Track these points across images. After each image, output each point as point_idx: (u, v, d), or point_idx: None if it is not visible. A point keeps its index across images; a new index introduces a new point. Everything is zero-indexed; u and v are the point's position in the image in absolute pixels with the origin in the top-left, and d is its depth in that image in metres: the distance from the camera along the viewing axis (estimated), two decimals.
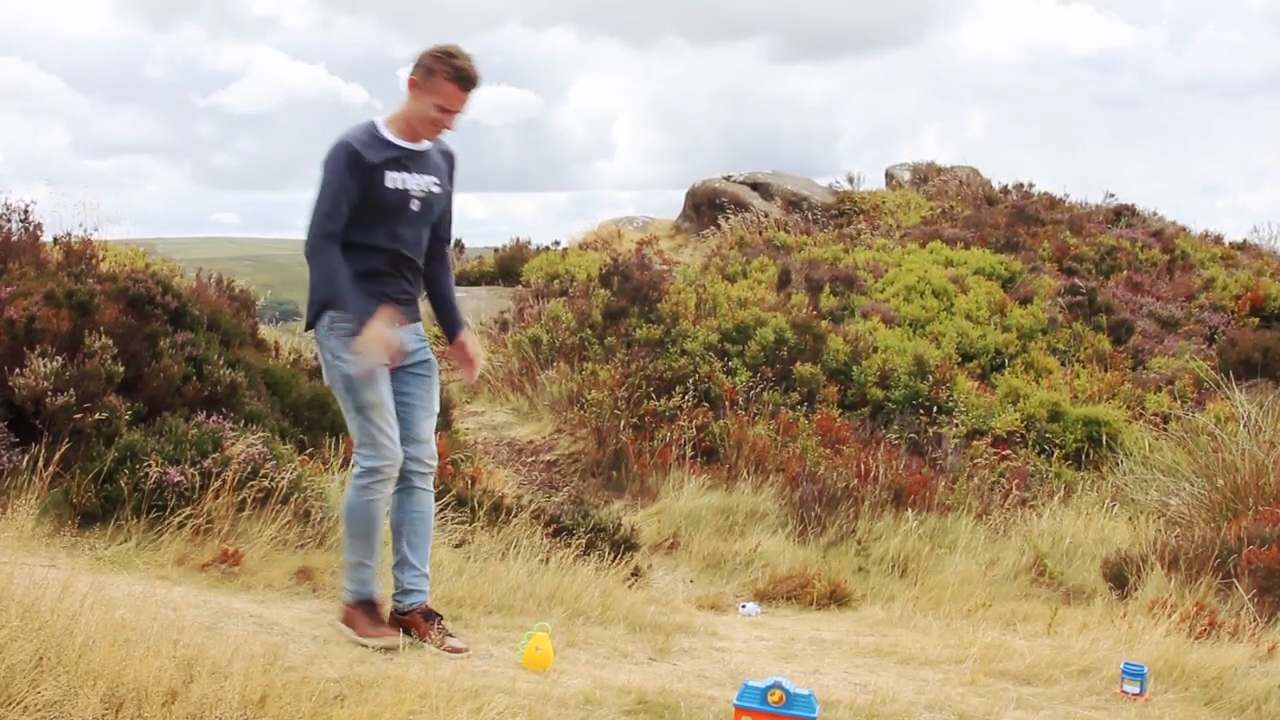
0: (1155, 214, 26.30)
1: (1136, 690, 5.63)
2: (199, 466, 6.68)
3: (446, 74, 4.76)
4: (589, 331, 15.45)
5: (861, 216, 24.59)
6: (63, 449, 6.53)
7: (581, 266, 19.36)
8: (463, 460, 9.90)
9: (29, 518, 6.16)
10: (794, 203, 25.23)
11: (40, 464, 6.45)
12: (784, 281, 18.43)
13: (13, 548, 5.73)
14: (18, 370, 6.94)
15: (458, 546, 7.53)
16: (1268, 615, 7.30)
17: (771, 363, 14.60)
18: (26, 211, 9.93)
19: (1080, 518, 10.93)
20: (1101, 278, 21.09)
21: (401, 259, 4.98)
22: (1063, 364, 16.75)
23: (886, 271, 19.41)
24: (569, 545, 8.01)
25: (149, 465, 6.55)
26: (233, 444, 6.95)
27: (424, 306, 5.28)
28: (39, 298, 7.54)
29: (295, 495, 6.94)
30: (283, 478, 6.90)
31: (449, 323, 5.30)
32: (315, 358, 10.26)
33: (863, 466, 11.57)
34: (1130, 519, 10.72)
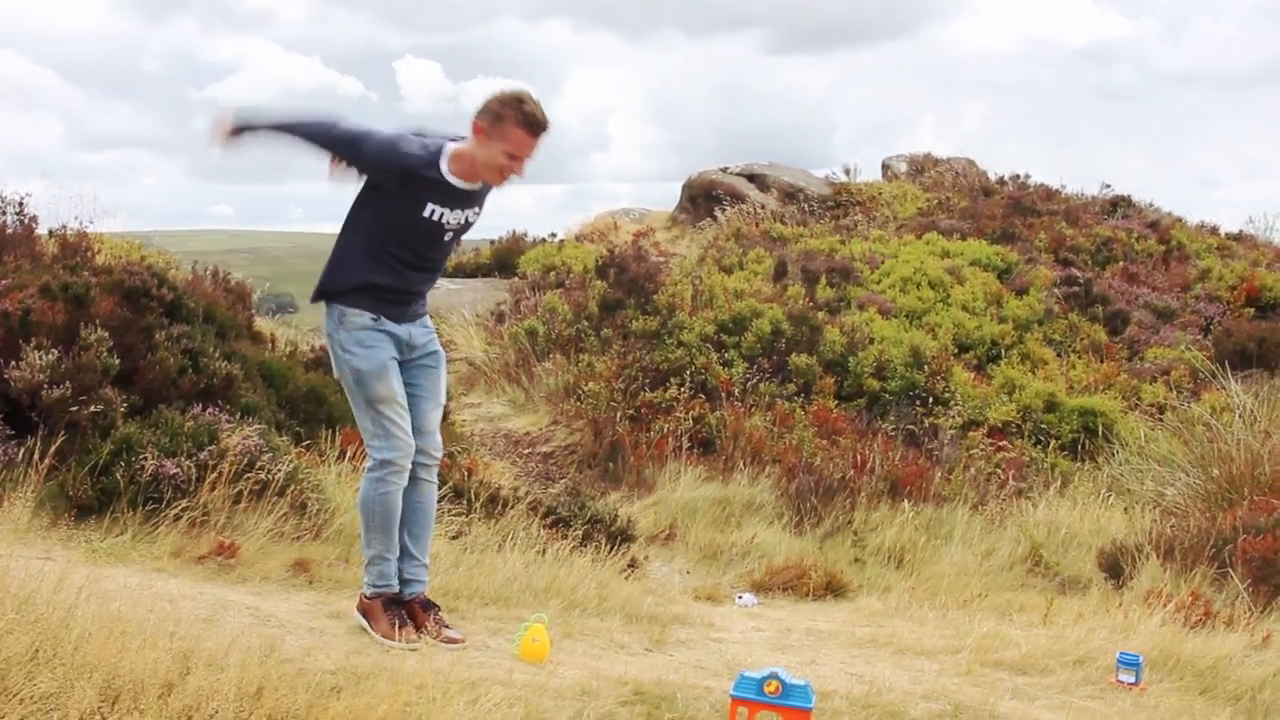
0: (1151, 205, 26.30)
1: (1132, 680, 5.64)
2: (195, 459, 6.68)
3: (516, 119, 4.64)
4: (585, 323, 15.44)
5: (858, 208, 24.59)
6: (58, 442, 6.52)
7: (578, 258, 19.35)
8: (459, 452, 9.90)
9: (25, 510, 6.16)
10: (790, 194, 25.22)
11: (36, 457, 6.44)
12: (780, 273, 18.44)
13: (9, 540, 5.72)
14: (13, 363, 6.93)
15: (454, 538, 7.53)
16: (1262, 604, 7.32)
17: (768, 354, 14.61)
18: (22, 204, 9.93)
19: (1076, 508, 10.95)
20: (1097, 268, 21.10)
21: (424, 271, 4.99)
22: (1059, 355, 16.76)
23: (883, 263, 19.41)
24: (565, 537, 8.01)
25: (145, 458, 6.54)
26: (229, 436, 6.95)
27: (431, 299, 5.30)
28: (34, 290, 7.53)
29: (292, 487, 6.94)
30: (279, 470, 6.90)
31: None
32: (311, 349, 10.22)
33: (859, 457, 11.58)
34: (1126, 509, 10.75)
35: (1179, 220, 25.28)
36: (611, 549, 8.18)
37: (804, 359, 14.41)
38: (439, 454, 5.17)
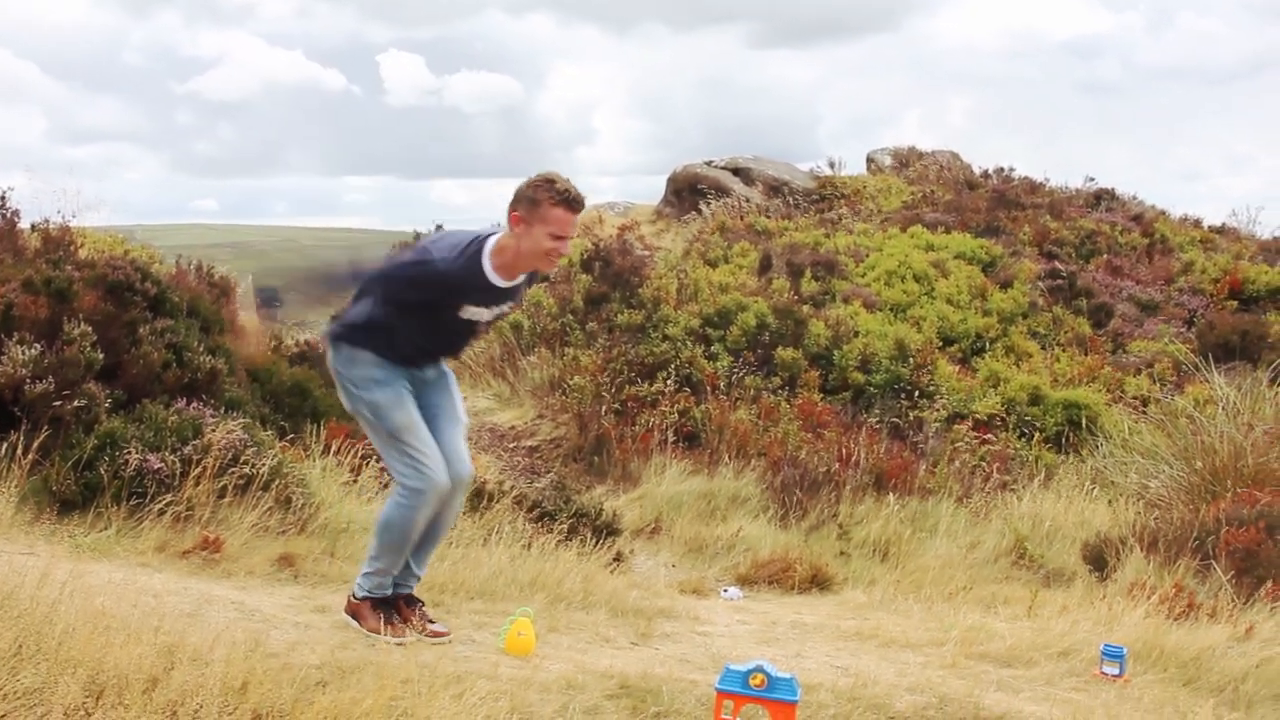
0: (1135, 198, 26.36)
1: (1116, 671, 5.66)
2: (179, 453, 6.67)
3: (552, 200, 4.58)
4: (570, 317, 15.44)
5: (843, 201, 24.60)
6: (42, 436, 6.50)
7: None
8: None
9: (8, 505, 6.14)
10: (775, 188, 25.22)
11: (19, 451, 6.42)
12: (765, 266, 18.44)
13: None
14: None
15: None
16: (1245, 596, 7.34)
17: (753, 347, 14.62)
18: (4, 198, 9.90)
19: (1060, 501, 10.98)
20: (1081, 261, 21.14)
21: (449, 354, 5.10)
22: (1043, 348, 16.80)
23: (867, 256, 19.43)
24: (551, 531, 8.02)
25: (129, 452, 6.53)
26: (213, 431, 6.94)
27: None
28: (17, 285, 7.50)
29: (276, 482, 6.93)
30: (264, 464, 6.90)
31: None
32: (296, 344, 10.22)
33: (844, 451, 11.59)
34: (1110, 502, 10.78)
35: (1163, 213, 25.35)
36: (597, 543, 8.18)
37: (789, 352, 14.42)
38: (470, 477, 5.06)
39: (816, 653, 5.90)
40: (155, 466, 6.53)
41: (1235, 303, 19.40)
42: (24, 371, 6.85)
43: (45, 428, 6.67)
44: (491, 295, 4.73)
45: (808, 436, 12.55)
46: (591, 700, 4.30)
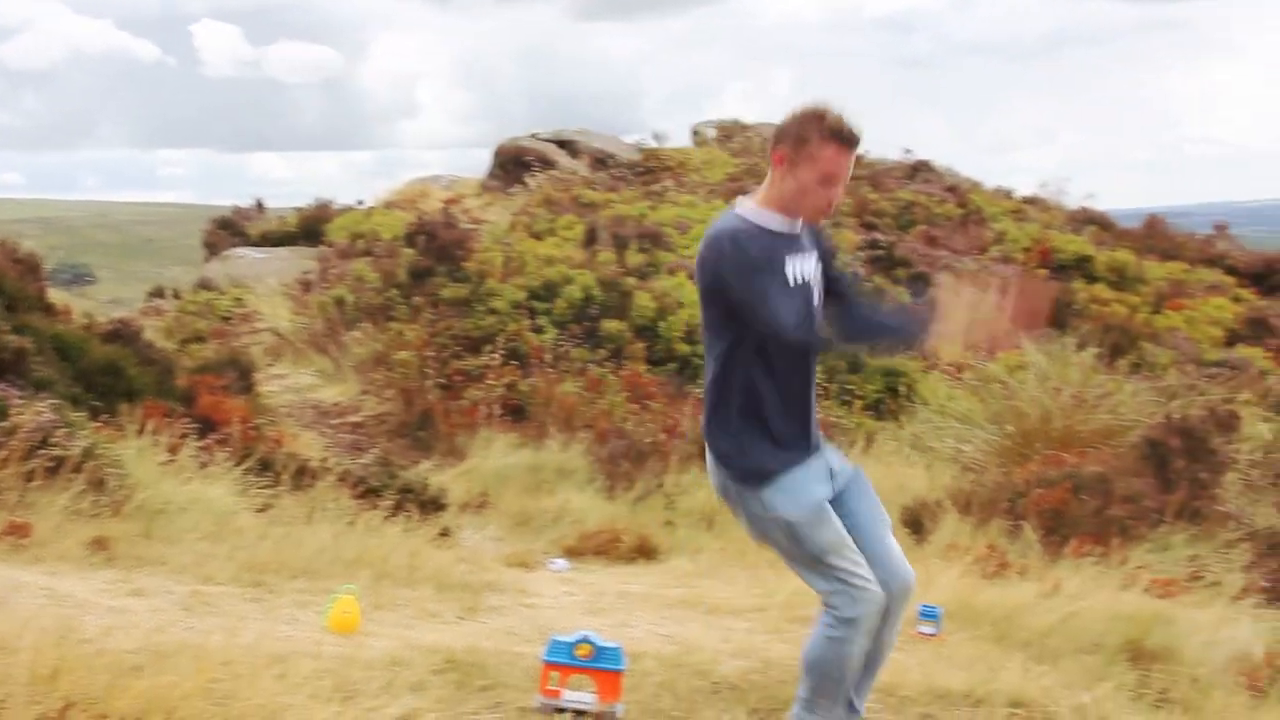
0: (950, 169, 27.07)
1: (932, 630, 5.85)
2: None
3: (823, 135, 3.73)
4: (395, 291, 15.27)
5: (668, 173, 24.76)
6: None
7: (387, 226, 19.08)
8: (266, 424, 9.72)
9: None
10: (601, 160, 25.28)
11: None
12: (591, 239, 18.46)
13: None
14: None
15: (261, 511, 7.40)
16: (1053, 554, 7.64)
17: (579, 320, 14.65)
18: None
19: (880, 465, 11.23)
20: (900, 231, 21.64)
21: (813, 363, 4.05)
22: None
23: (692, 228, 19.58)
24: (376, 507, 7.93)
25: None
26: (20, 413, 6.71)
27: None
28: None
29: (89, 463, 6.73)
30: (75, 446, 6.69)
31: (899, 316, 4.53)
32: (109, 321, 9.93)
33: (670, 421, 11.71)
34: (928, 466, 11.06)
35: (976, 185, 26.10)
36: (423, 518, 8.14)
37: (615, 324, 14.50)
38: (913, 586, 4.09)
39: (643, 622, 5.98)
40: None
41: (1045, 271, 20.07)
42: None
43: None
44: (791, 243, 3.85)
45: (634, 408, 12.64)
46: (417, 676, 4.29)
